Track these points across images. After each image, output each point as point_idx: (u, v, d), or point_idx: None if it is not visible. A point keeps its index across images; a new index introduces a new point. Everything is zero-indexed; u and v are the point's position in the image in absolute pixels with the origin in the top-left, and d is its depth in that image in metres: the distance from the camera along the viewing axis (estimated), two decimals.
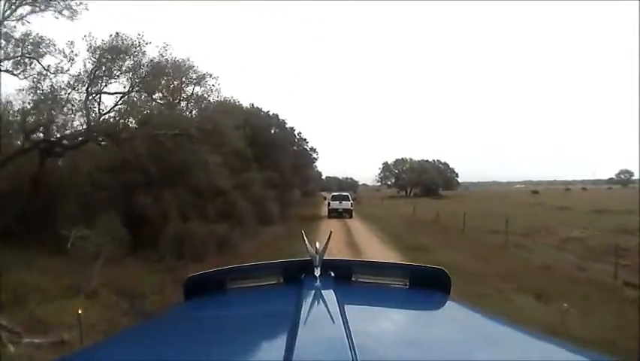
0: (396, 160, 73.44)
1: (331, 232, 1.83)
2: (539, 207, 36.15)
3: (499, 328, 1.30)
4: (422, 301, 1.52)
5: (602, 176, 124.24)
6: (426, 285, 1.55)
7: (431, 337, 1.18)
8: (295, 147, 28.14)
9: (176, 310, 1.81)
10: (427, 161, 74.44)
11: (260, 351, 1.07)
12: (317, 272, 1.43)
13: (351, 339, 0.91)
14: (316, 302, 1.25)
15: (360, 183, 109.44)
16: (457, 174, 77.48)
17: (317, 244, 1.53)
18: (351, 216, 26.78)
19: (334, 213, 26.99)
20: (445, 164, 76.83)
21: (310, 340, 0.95)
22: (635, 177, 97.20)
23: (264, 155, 22.42)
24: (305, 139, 28.90)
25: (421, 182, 70.13)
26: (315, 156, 30.21)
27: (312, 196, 54.89)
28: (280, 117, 27.29)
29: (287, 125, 27.47)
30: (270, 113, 26.75)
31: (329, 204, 28.41)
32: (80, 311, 3.66)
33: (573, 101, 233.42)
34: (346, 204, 27.80)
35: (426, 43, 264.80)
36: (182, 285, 1.64)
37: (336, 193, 31.41)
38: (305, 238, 1.58)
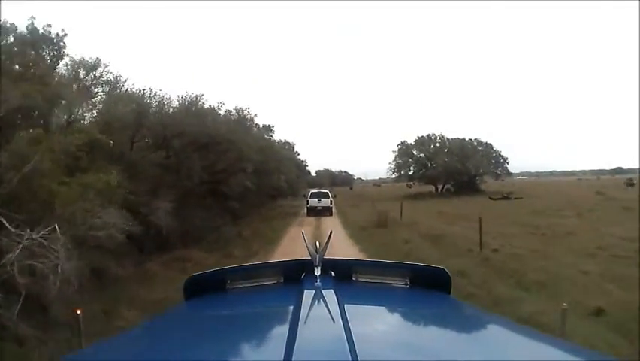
0: (419, 139, 46.59)
1: (331, 232, 1.82)
2: None
3: (500, 328, 1.33)
4: (423, 301, 1.50)
5: (603, 166, 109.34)
6: (426, 285, 1.54)
7: (432, 337, 1.18)
8: None
9: (177, 310, 1.74)
10: (465, 139, 48.28)
11: (260, 351, 1.06)
12: (317, 272, 1.40)
13: (352, 339, 0.90)
14: (316, 302, 1.23)
15: (356, 177, 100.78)
16: (505, 159, 51.51)
17: (317, 244, 1.55)
18: (331, 214, 25.12)
19: (313, 212, 25.19)
20: (489, 145, 50.85)
21: (310, 340, 0.94)
22: None
23: None
24: None
25: (459, 171, 44.01)
26: None
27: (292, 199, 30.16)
28: None
29: None
30: None
31: (308, 202, 26.74)
32: (78, 311, 2.92)
33: (577, 83, 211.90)
34: (325, 202, 25.94)
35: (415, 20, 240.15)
36: (183, 285, 1.60)
37: (315, 190, 28.93)
38: (305, 238, 1.61)
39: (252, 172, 17.64)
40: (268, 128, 22.90)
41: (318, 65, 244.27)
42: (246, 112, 17.24)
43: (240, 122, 16.32)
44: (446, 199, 37.44)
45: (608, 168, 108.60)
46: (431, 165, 44.21)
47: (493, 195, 36.93)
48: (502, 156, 50.86)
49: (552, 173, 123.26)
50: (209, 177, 13.16)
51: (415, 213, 21.98)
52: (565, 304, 3.19)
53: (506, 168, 51.79)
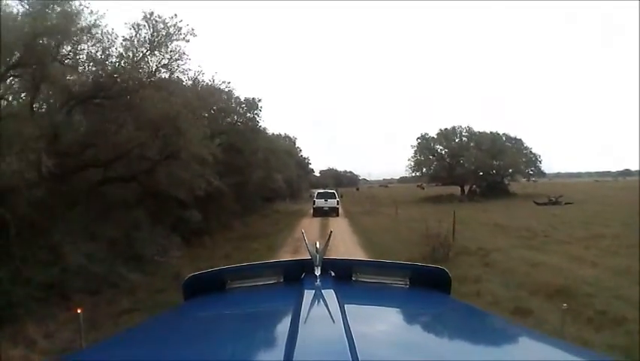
0: (442, 132, 39.35)
1: (331, 232, 1.80)
2: None
3: (499, 328, 1.31)
4: (423, 301, 1.48)
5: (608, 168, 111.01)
6: (427, 284, 1.52)
7: (431, 337, 1.17)
8: None
9: (177, 310, 1.71)
10: (495, 133, 41.05)
11: (260, 351, 1.05)
12: (317, 272, 1.39)
13: (352, 339, 0.89)
14: (316, 302, 1.21)
15: (361, 177, 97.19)
16: (537, 156, 44.38)
17: (317, 244, 1.48)
18: (337, 215, 23.45)
19: (319, 213, 23.16)
20: (519, 140, 43.71)
21: (310, 340, 0.93)
22: None
23: None
24: None
25: (491, 170, 36.95)
26: None
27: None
28: None
29: None
30: None
31: (314, 202, 25.02)
32: (79, 311, 2.74)
33: (583, 86, 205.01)
34: (332, 203, 24.20)
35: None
36: (183, 285, 1.57)
37: (321, 191, 27.55)
38: (305, 238, 1.61)
39: (221, 162, 10.90)
40: (252, 103, 15.47)
41: (325, 62, 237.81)
42: (181, 26, 7.72)
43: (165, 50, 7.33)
44: (479, 204, 30.57)
45: (613, 170, 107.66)
46: (457, 162, 37.10)
47: (537, 200, 30.11)
48: (533, 154, 43.96)
49: (557, 175, 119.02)
50: (100, 165, 6.41)
51: (464, 228, 15.15)
52: (564, 304, 2.83)
53: (539, 167, 44.88)
